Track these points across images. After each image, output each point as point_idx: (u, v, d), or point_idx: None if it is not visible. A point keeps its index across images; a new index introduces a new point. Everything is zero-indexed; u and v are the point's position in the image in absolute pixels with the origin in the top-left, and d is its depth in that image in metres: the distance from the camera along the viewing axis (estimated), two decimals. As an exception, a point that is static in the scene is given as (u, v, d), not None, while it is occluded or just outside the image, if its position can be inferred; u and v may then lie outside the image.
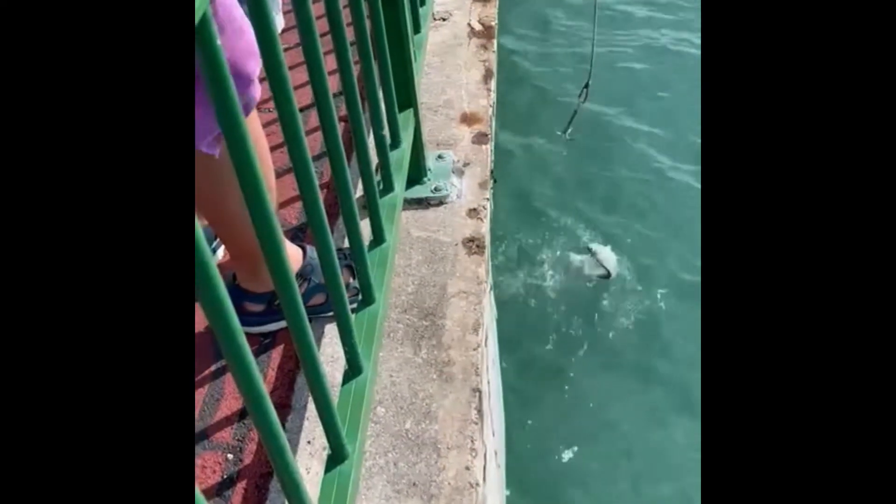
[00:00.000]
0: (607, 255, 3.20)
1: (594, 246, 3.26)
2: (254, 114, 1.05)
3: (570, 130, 3.08)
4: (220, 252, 1.44)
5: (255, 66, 0.98)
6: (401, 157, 1.35)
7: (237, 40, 0.94)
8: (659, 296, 3.17)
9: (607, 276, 3.16)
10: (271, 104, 0.74)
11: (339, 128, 0.89)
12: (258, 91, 1.01)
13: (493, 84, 2.03)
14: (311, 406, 1.23)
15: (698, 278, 3.13)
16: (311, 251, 1.34)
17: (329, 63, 0.83)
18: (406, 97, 1.46)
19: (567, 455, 2.66)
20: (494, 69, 2.09)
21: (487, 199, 1.66)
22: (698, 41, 4.28)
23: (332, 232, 1.12)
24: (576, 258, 3.24)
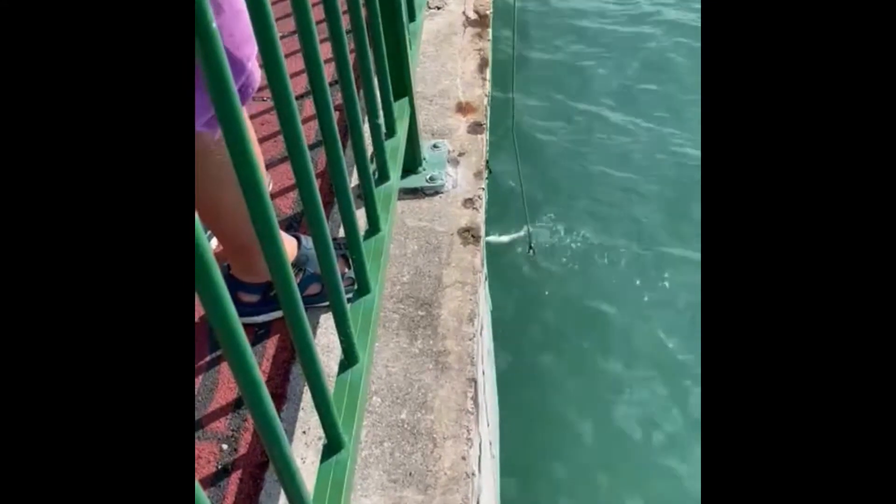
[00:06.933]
0: None
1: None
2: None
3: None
4: (215, 241, 1.44)
5: (251, 51, 0.97)
6: (396, 147, 1.34)
7: (235, 23, 0.93)
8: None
9: None
10: (267, 93, 0.73)
11: (335, 116, 0.88)
12: (257, 75, 1.00)
13: (488, 73, 2.02)
14: (307, 396, 1.23)
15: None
16: (306, 241, 1.33)
17: (324, 51, 0.82)
18: (401, 86, 1.45)
19: (564, 443, 2.66)
20: (490, 58, 2.08)
21: (483, 189, 1.65)
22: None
23: (328, 221, 1.11)
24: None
